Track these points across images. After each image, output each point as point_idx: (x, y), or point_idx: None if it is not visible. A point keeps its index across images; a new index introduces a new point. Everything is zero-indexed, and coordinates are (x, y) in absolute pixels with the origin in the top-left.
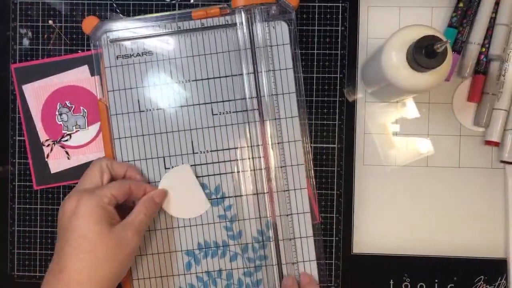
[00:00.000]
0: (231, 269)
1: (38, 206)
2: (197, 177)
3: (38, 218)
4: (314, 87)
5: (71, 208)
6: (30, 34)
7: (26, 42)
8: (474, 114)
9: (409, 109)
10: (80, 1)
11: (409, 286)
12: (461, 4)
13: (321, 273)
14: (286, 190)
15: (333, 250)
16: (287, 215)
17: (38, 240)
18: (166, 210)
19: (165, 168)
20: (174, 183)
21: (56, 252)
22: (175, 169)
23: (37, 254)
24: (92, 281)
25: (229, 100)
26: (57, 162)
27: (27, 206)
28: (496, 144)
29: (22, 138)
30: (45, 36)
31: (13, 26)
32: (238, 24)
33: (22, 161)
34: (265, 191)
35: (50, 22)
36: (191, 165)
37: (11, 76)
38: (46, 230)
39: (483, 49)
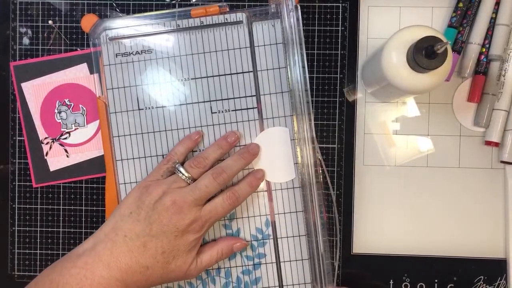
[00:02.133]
0: (230, 267)
1: (38, 206)
2: None
3: (38, 218)
4: (314, 87)
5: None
6: (30, 33)
7: (26, 41)
8: (474, 114)
9: (409, 109)
10: (80, 1)
11: (409, 286)
12: (461, 4)
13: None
14: (285, 189)
15: (333, 250)
16: (286, 213)
17: (38, 240)
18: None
19: None
20: (270, 142)
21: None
22: (275, 129)
23: (37, 254)
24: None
25: (228, 99)
26: (56, 160)
27: (27, 206)
28: (496, 144)
29: (22, 138)
30: (45, 35)
31: (13, 26)
32: (237, 22)
33: (22, 161)
34: (264, 190)
35: (50, 22)
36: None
37: (11, 76)
38: (46, 230)
39: (483, 49)
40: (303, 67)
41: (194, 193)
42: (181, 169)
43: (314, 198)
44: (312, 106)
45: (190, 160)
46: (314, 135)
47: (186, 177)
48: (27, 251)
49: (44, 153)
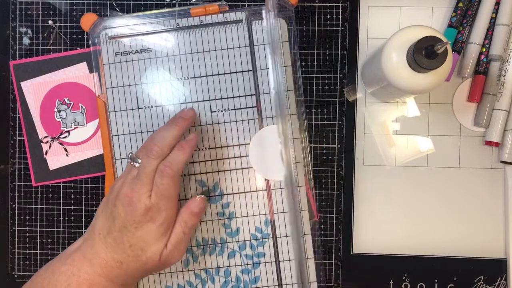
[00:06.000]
0: (229, 266)
1: (38, 206)
2: (195, 174)
3: (38, 217)
4: (314, 87)
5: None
6: (30, 33)
7: (26, 41)
8: (474, 114)
9: (409, 109)
10: (79, 1)
11: (409, 286)
12: (461, 4)
13: (320, 272)
14: (284, 188)
15: (333, 250)
16: (285, 213)
17: (38, 240)
18: (253, 167)
19: None
20: (268, 140)
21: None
22: (273, 127)
23: (37, 254)
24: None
25: (227, 98)
26: (55, 159)
27: (27, 206)
28: (496, 144)
29: (22, 138)
30: (45, 35)
31: (13, 26)
32: (237, 21)
33: (22, 160)
34: (263, 189)
35: (50, 22)
36: (189, 162)
37: (11, 75)
38: (46, 230)
39: (483, 49)
40: (282, 67)
41: (138, 180)
42: (132, 157)
43: (299, 198)
44: (312, 106)
45: (139, 148)
46: (302, 135)
47: (137, 164)
48: (27, 251)
49: (44, 152)
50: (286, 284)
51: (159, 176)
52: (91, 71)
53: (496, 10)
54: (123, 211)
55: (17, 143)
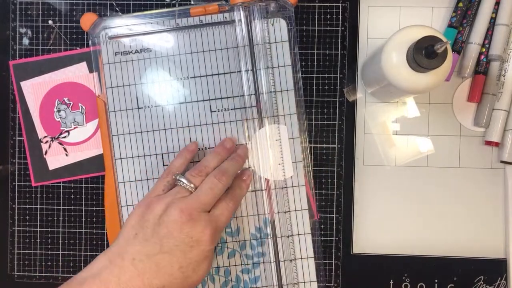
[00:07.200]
0: (229, 266)
1: (38, 206)
2: None
3: (38, 218)
4: (314, 87)
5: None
6: (30, 33)
7: (26, 41)
8: (474, 114)
9: (409, 109)
10: (79, 1)
11: (409, 286)
12: (461, 4)
13: (320, 272)
14: (284, 187)
15: (333, 250)
16: (285, 212)
17: (38, 240)
18: (253, 166)
19: (164, 165)
20: (268, 140)
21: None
22: (273, 126)
23: (37, 254)
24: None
25: (227, 97)
26: (55, 159)
27: (27, 206)
28: (496, 144)
29: (22, 138)
30: (45, 35)
31: (13, 26)
32: (236, 21)
33: (22, 161)
34: (263, 188)
35: (50, 22)
36: (190, 162)
37: (10, 75)
38: (46, 230)
39: (483, 49)
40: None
41: (200, 199)
42: (183, 179)
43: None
44: (312, 106)
45: (190, 170)
46: (302, 135)
47: (189, 186)
48: (27, 251)
49: (43, 152)
50: (286, 284)
51: (227, 202)
52: (91, 71)
53: (496, 10)
54: (177, 228)
55: (16, 143)
